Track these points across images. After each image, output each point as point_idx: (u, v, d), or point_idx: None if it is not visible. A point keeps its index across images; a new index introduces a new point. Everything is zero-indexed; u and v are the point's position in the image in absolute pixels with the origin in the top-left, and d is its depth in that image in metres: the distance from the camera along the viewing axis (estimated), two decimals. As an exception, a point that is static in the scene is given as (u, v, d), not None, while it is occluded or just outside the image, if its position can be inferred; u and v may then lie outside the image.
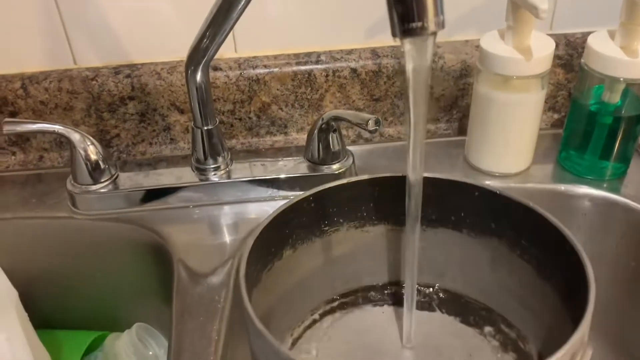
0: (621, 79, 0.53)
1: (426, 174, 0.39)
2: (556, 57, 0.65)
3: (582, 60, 0.55)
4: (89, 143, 0.56)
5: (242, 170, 0.59)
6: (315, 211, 0.40)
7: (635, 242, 0.56)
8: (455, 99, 0.67)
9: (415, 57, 0.32)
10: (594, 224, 0.58)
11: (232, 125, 0.67)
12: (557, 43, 0.64)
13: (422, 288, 0.47)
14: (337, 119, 0.55)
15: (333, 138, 0.57)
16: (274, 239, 0.37)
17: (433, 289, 0.47)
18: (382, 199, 0.43)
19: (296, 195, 0.40)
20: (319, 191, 0.40)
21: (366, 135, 0.68)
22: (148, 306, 0.62)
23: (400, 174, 0.41)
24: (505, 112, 0.56)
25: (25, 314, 0.53)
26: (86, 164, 0.56)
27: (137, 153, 0.67)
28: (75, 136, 0.55)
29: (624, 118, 0.55)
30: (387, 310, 0.46)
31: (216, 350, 0.44)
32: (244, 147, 0.67)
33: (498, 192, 0.40)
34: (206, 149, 0.56)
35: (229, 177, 0.58)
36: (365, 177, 0.41)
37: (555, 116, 0.69)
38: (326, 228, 0.42)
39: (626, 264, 0.57)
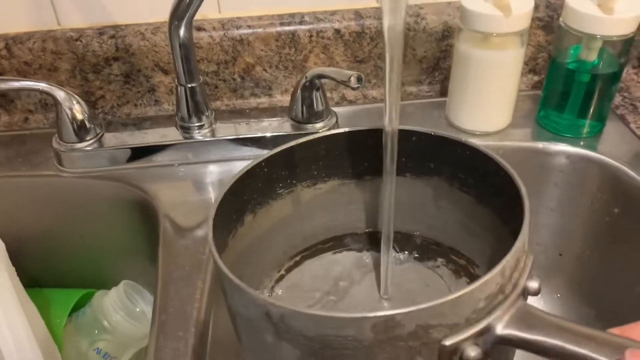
0: (598, 36, 0.54)
1: (373, 127, 0.41)
2: (536, 18, 0.66)
3: (561, 19, 0.56)
4: (74, 101, 0.57)
5: (226, 129, 0.59)
6: (269, 175, 0.42)
7: (610, 197, 0.58)
8: (437, 61, 0.68)
9: (390, 14, 0.34)
10: (570, 180, 0.60)
11: (216, 87, 0.67)
12: (537, 4, 0.65)
13: (372, 232, 0.48)
14: (320, 76, 0.56)
15: (317, 97, 0.58)
16: (234, 206, 0.39)
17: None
18: (330, 156, 0.44)
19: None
20: (271, 155, 0.41)
21: (350, 97, 0.69)
22: (135, 264, 0.63)
23: (343, 130, 0.42)
24: (484, 70, 0.57)
25: (13, 269, 0.54)
26: (71, 122, 0.57)
27: (122, 115, 0.68)
28: (60, 94, 0.56)
29: (601, 76, 0.57)
30: (347, 255, 0.48)
31: (202, 298, 0.46)
32: (229, 108, 0.67)
33: (432, 133, 0.41)
34: (190, 107, 0.57)
35: (213, 135, 0.59)
36: (313, 136, 0.42)
37: (536, 78, 0.70)
38: (281, 190, 0.43)
39: (600, 219, 0.59)
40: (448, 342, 0.29)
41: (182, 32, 0.52)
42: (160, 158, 0.59)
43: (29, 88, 0.56)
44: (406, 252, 0.47)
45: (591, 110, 0.59)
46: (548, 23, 0.66)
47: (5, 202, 0.60)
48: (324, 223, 0.47)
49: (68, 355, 0.58)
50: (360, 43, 0.65)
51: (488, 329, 0.30)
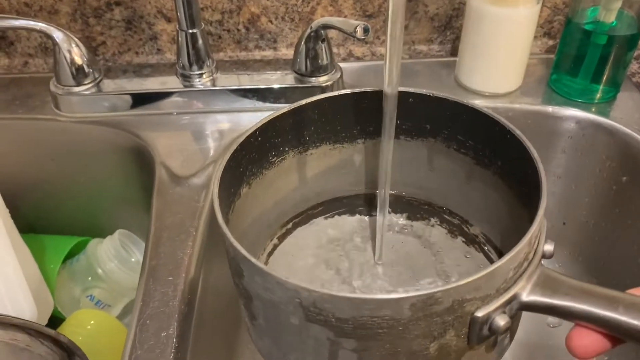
0: (618, -5, 0.52)
1: (365, 89, 0.40)
2: (555, -21, 0.63)
3: (579, -24, 0.54)
4: (72, 44, 0.55)
5: (228, 79, 0.58)
6: (263, 145, 0.40)
7: (619, 165, 0.56)
8: (449, 19, 0.66)
9: None
10: (579, 147, 0.58)
11: (220, 37, 0.65)
12: (556, -36, 0.62)
13: (364, 195, 0.47)
14: (326, 26, 0.54)
15: (322, 49, 0.56)
16: (232, 180, 0.38)
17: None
18: (322, 121, 0.43)
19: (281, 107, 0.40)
20: (265, 123, 0.40)
21: (357, 53, 0.67)
22: (130, 214, 0.62)
23: (340, 93, 0.41)
24: (497, 27, 0.55)
25: (7, 211, 0.54)
26: (69, 65, 0.56)
27: (124, 62, 0.66)
28: (58, 34, 0.54)
29: (618, 38, 0.54)
30: (339, 220, 0.47)
31: (194, 245, 0.45)
32: (232, 60, 0.66)
33: (431, 94, 0.40)
34: (191, 54, 0.55)
35: (214, 85, 0.57)
36: (306, 100, 0.41)
37: (550, 42, 0.68)
38: (274, 159, 0.42)
39: (608, 187, 0.57)
40: (480, 314, 0.29)
41: (184, -28, 0.50)
42: (159, 106, 0.57)
43: (27, 27, 0.54)
44: (399, 214, 0.46)
45: (605, 75, 0.57)
46: (566, -16, 0.64)
47: (2, 145, 0.59)
48: (315, 188, 0.46)
49: (61, 301, 0.58)
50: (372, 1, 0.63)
51: (515, 297, 0.30)
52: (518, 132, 0.36)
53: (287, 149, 0.43)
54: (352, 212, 0.46)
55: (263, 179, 0.42)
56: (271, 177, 0.43)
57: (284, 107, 0.41)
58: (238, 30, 0.65)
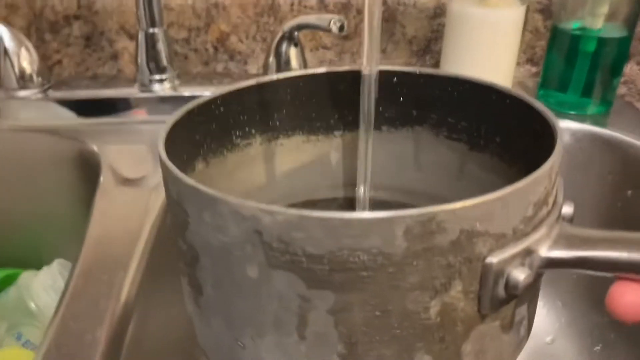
0: (604, -5, 0.49)
1: (345, 68, 0.35)
2: (535, 1, 0.62)
3: (563, -20, 0.52)
4: (23, 48, 0.51)
5: (190, 87, 0.53)
6: (225, 117, 0.35)
7: (622, 178, 0.51)
8: (428, 42, 0.63)
9: None
10: (576, 161, 0.53)
11: (186, 57, 0.61)
12: (535, -14, 0.61)
13: (340, 200, 0.41)
14: (300, 27, 0.50)
15: (293, 54, 0.52)
16: (185, 144, 0.32)
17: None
18: (295, 104, 0.38)
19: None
20: (229, 92, 0.35)
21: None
22: (71, 242, 0.54)
23: (316, 71, 0.36)
24: (480, 32, 0.51)
25: None
26: (15, 67, 0.50)
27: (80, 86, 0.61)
28: (5, 32, 0.49)
29: (608, 41, 0.51)
30: None
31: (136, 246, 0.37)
32: (196, 72, 0.61)
33: (418, 71, 0.35)
34: (149, 56, 0.51)
35: (175, 91, 0.52)
36: (278, 76, 0.36)
37: (534, 69, 0.65)
38: (238, 141, 0.36)
39: (612, 205, 0.52)
40: (494, 259, 0.23)
41: (144, -40, 0.47)
42: (112, 114, 0.52)
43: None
44: None
45: (596, 87, 0.54)
46: (547, 7, 0.62)
47: None
48: (283, 188, 0.40)
49: (-20, 340, 0.48)
50: (346, 15, 0.60)
51: (535, 249, 0.24)
52: (517, 93, 0.31)
53: (253, 131, 0.37)
54: None
55: (223, 162, 0.36)
56: (233, 164, 0.37)
57: (252, 80, 0.35)
58: (206, 50, 0.61)
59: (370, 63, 0.33)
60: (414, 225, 0.21)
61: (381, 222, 0.21)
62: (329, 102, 0.38)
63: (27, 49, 0.51)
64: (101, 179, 0.44)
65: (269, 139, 0.38)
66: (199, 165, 0.34)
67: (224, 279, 0.25)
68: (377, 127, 0.39)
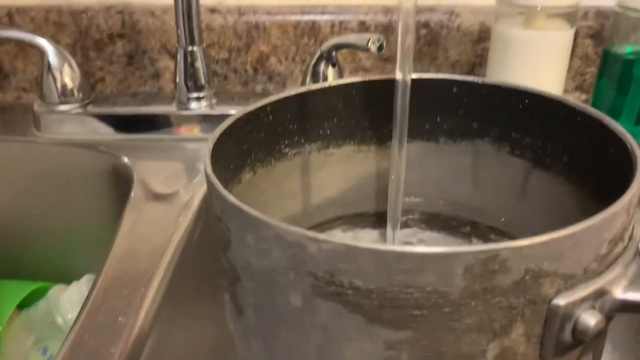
0: (661, 17, 0.47)
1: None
2: (585, 26, 0.59)
3: (617, 3, 0.49)
4: (65, 63, 0.51)
5: (228, 106, 0.52)
6: (274, 126, 0.34)
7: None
8: (472, 67, 0.61)
9: None
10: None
11: (225, 78, 0.61)
12: (586, 12, 0.59)
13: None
14: (338, 47, 0.49)
15: (331, 74, 0.51)
16: (232, 153, 0.31)
17: (410, 215, 0.39)
18: (348, 113, 0.37)
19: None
20: (279, 99, 0.34)
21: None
22: (102, 258, 0.54)
23: (370, 79, 0.35)
24: (526, 55, 0.49)
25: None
26: (57, 83, 0.51)
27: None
28: (50, 48, 0.50)
29: (665, 66, 0.48)
30: (363, 233, 0.39)
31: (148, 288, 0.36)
32: (234, 92, 0.61)
33: (481, 81, 0.33)
34: (188, 74, 0.51)
35: (212, 109, 0.52)
36: (330, 83, 0.35)
37: (583, 97, 0.62)
38: (286, 150, 0.35)
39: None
40: (562, 302, 0.21)
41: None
42: (150, 131, 0.52)
43: (20, 39, 0.51)
44: (435, 232, 0.38)
45: (653, 114, 0.50)
46: (598, 32, 0.60)
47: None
48: (333, 199, 0.39)
49: (8, 352, 0.48)
50: (387, 37, 0.59)
51: (607, 291, 0.22)
52: (591, 110, 0.29)
53: (302, 140, 0.36)
54: (374, 227, 0.38)
55: (271, 171, 0.35)
56: (281, 173, 0.36)
57: (303, 87, 0.34)
58: (245, 71, 0.61)
59: (403, 69, 0.32)
60: (474, 263, 0.19)
61: (438, 257, 0.19)
62: (382, 111, 0.36)
63: (70, 66, 0.52)
64: (132, 193, 0.43)
65: (319, 149, 0.37)
66: (246, 175, 0.33)
67: (266, 304, 0.23)
68: (434, 139, 0.37)
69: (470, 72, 0.61)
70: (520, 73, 0.50)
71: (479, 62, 0.61)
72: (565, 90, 0.59)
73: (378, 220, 0.39)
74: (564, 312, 0.21)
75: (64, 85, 0.51)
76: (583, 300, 0.21)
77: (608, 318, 0.22)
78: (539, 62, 0.49)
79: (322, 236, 0.20)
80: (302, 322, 0.22)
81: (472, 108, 0.35)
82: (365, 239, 0.39)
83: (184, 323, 0.38)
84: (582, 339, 0.21)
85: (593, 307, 0.21)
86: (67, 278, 0.53)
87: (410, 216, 0.40)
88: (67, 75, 0.51)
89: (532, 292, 0.20)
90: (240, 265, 0.24)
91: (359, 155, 0.38)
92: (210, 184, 0.25)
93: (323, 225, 0.39)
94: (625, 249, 0.23)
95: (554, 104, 0.31)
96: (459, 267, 0.19)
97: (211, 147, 0.27)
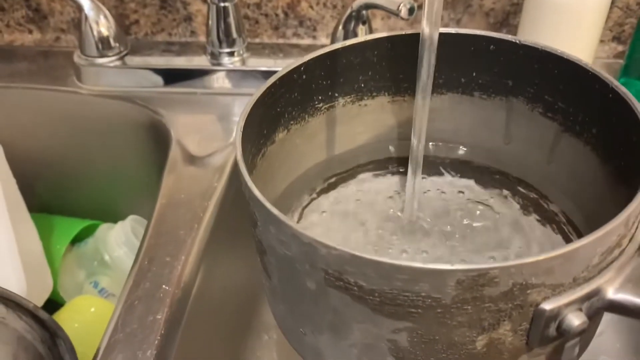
0: None
1: (441, 30, 0.33)
2: (629, -24, 0.57)
3: (660, -36, 0.48)
4: (101, 15, 0.53)
5: (259, 60, 0.54)
6: (307, 85, 0.35)
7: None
8: (506, 16, 0.60)
9: None
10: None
11: (257, 22, 0.61)
12: (631, -40, 0.56)
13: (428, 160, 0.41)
14: (368, 6, 0.49)
15: (362, 31, 0.51)
16: (265, 119, 0.32)
17: (441, 160, 0.41)
18: (382, 65, 0.37)
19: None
20: (312, 59, 0.34)
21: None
22: (145, 200, 0.58)
23: (400, 33, 0.35)
24: (559, 17, 0.49)
25: (13, 181, 0.50)
26: (95, 35, 0.53)
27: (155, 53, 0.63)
28: (86, 2, 0.52)
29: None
30: (391, 180, 0.40)
31: (199, 226, 0.40)
32: (265, 43, 0.62)
33: (519, 41, 0.33)
34: (220, 29, 0.52)
35: (243, 65, 0.53)
36: (365, 37, 0.35)
37: (620, 48, 0.61)
38: (320, 105, 0.36)
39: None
40: (548, 306, 0.23)
41: None
42: (183, 84, 0.54)
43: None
44: (465, 179, 0.39)
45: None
46: (641, -18, 0.57)
47: (20, 115, 0.57)
48: (366, 145, 0.40)
49: (63, 285, 0.54)
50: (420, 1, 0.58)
51: (597, 292, 0.24)
52: (624, 91, 0.29)
53: (336, 94, 0.37)
54: (406, 171, 0.40)
55: (304, 127, 0.37)
56: (315, 127, 0.37)
57: (337, 44, 0.35)
58: (276, 15, 0.61)
59: (430, 21, 0.31)
60: (464, 279, 0.22)
61: (431, 273, 0.22)
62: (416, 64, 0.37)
63: (105, 16, 0.53)
64: (170, 153, 0.46)
65: (352, 101, 0.38)
66: (280, 135, 0.35)
67: (287, 280, 0.27)
68: (469, 92, 0.38)
69: (504, 20, 0.60)
70: (555, 23, 0.49)
71: (513, 11, 0.60)
72: (602, 41, 0.58)
73: (404, 165, 0.41)
74: (550, 315, 0.23)
75: (101, 37, 0.53)
76: (569, 304, 0.23)
77: (597, 313, 0.24)
78: (575, 12, 0.48)
79: (331, 243, 0.23)
80: (317, 302, 0.26)
81: (508, 67, 0.35)
82: (397, 184, 0.40)
83: (226, 262, 0.43)
84: (565, 335, 0.23)
85: (580, 309, 0.23)
86: (114, 217, 0.58)
87: (442, 163, 0.41)
88: (103, 26, 0.53)
89: (519, 299, 0.22)
90: (265, 244, 0.27)
91: (393, 105, 0.39)
92: (240, 172, 0.26)
93: (356, 169, 0.40)
94: (622, 252, 0.24)
95: (588, 76, 0.31)
96: (451, 281, 0.22)
97: (242, 125, 0.29)
